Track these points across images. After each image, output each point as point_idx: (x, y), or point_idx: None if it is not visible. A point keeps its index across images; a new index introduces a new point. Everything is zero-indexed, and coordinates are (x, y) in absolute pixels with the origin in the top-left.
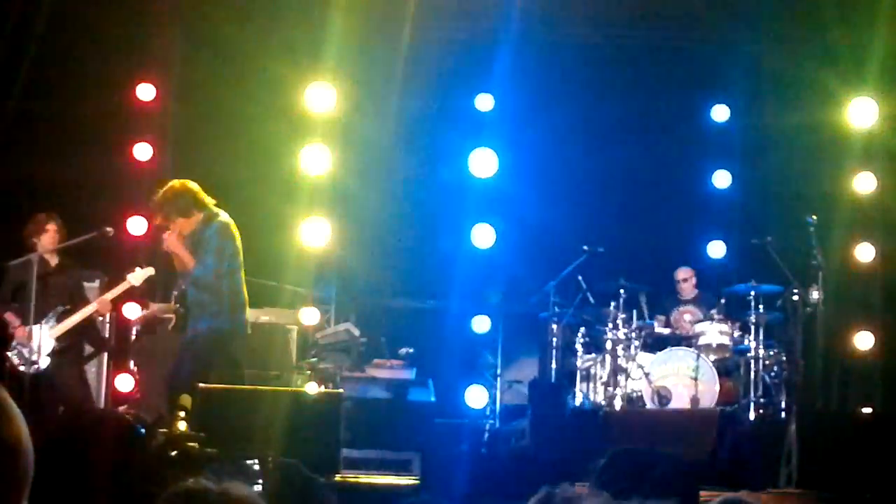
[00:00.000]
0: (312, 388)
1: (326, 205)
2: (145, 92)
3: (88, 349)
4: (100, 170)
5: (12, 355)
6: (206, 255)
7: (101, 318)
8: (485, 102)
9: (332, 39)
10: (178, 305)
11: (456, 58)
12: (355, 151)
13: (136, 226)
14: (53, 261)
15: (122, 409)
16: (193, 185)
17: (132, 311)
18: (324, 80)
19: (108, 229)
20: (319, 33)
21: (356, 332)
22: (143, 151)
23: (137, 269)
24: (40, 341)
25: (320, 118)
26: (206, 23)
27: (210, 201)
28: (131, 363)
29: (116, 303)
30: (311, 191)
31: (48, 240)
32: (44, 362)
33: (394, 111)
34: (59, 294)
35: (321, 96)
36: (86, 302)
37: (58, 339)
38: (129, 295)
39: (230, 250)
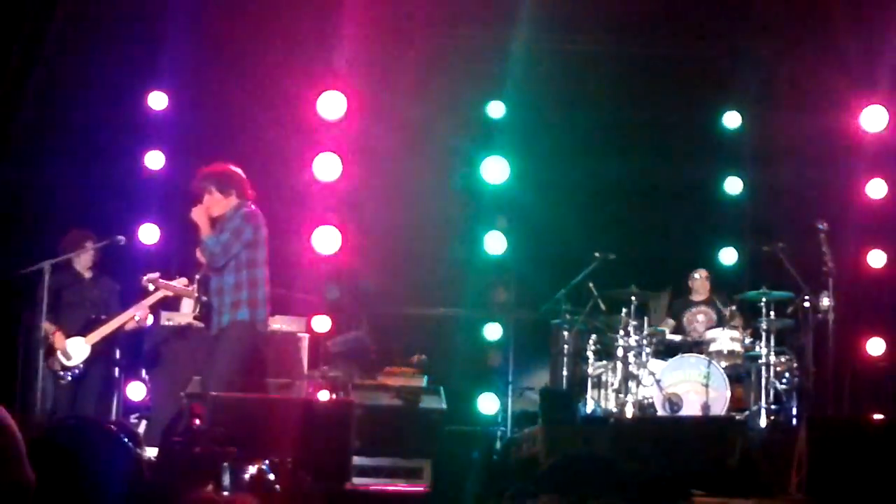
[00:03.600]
0: (324, 396)
1: (338, 212)
2: (157, 100)
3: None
4: (111, 178)
5: (53, 361)
6: (223, 231)
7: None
8: (497, 110)
9: (344, 47)
10: (200, 296)
11: (468, 65)
12: (367, 159)
13: (148, 234)
14: (87, 273)
15: (132, 417)
16: (241, 173)
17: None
18: (336, 88)
19: (120, 238)
20: (332, 42)
21: (367, 341)
22: (154, 160)
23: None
24: (77, 348)
25: (332, 126)
26: (219, 31)
27: (251, 194)
28: (143, 371)
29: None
30: (323, 198)
31: (85, 256)
32: (79, 369)
33: (405, 119)
34: (93, 304)
35: (333, 104)
36: (119, 311)
37: (93, 346)
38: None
39: (248, 237)
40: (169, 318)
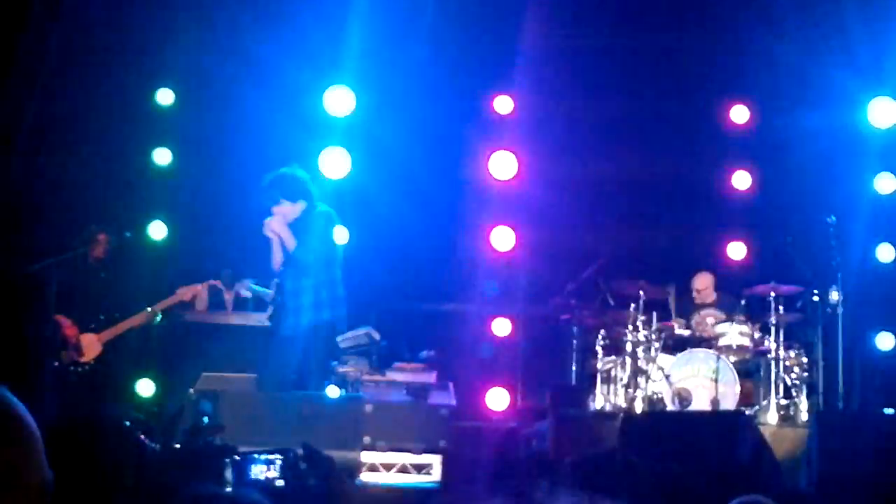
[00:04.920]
0: (333, 392)
1: (346, 208)
2: (165, 97)
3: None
4: (119, 174)
5: (66, 354)
6: (308, 238)
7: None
8: (504, 105)
9: (351, 42)
10: (274, 295)
11: (475, 60)
12: (375, 154)
13: (157, 230)
14: (101, 269)
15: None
16: (304, 174)
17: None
18: (343, 83)
19: (127, 234)
20: (339, 36)
21: (376, 336)
22: (162, 156)
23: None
24: (90, 344)
25: (340, 121)
26: (226, 27)
27: (316, 192)
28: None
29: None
30: (332, 194)
31: (99, 251)
32: (90, 365)
33: (413, 114)
34: (106, 299)
35: (341, 99)
36: (132, 307)
37: (105, 343)
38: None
39: (331, 239)
40: (179, 315)
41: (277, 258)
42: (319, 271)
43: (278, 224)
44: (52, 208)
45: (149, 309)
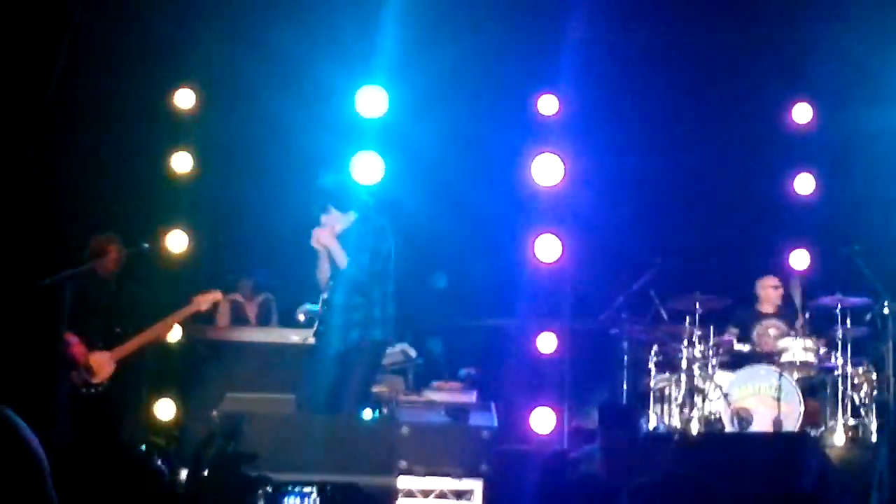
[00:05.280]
0: (367, 414)
1: (373, 212)
2: (185, 98)
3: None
4: (135, 180)
5: (75, 375)
6: (360, 253)
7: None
8: (548, 105)
9: (384, 39)
10: (323, 310)
11: (517, 58)
12: (409, 159)
13: (176, 241)
14: (112, 284)
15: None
16: (354, 180)
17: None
18: (376, 82)
19: (145, 245)
20: (371, 33)
21: (413, 353)
22: (182, 162)
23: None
24: (102, 363)
25: (372, 124)
26: (251, 24)
27: (368, 200)
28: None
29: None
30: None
31: (110, 262)
32: (103, 386)
33: (450, 115)
34: (119, 315)
35: (373, 100)
36: (146, 323)
37: (118, 362)
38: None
39: (384, 253)
40: (199, 332)
41: (325, 272)
42: (373, 288)
43: (327, 236)
44: (64, 217)
45: (164, 322)
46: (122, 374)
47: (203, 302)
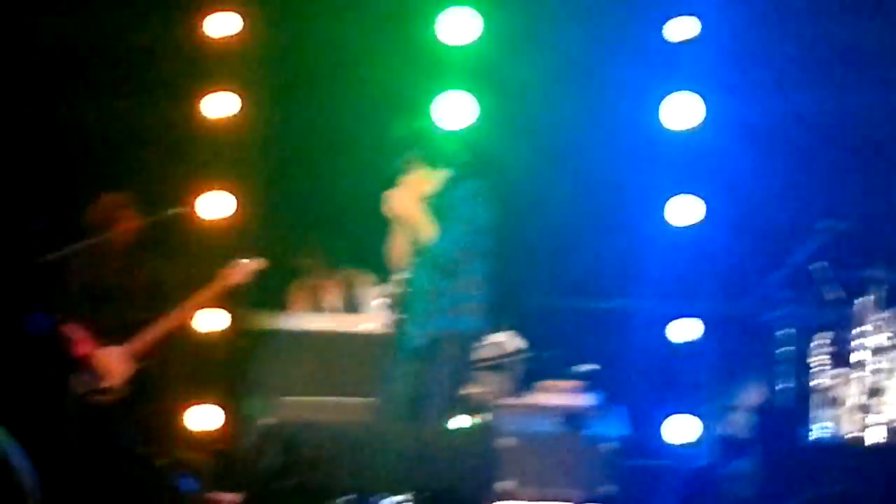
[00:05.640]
0: (459, 421)
1: (469, 171)
2: (227, 23)
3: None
4: (165, 129)
5: (80, 380)
6: (451, 223)
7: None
8: (681, 30)
9: None
10: (399, 295)
11: None
12: (505, 98)
13: (215, 205)
14: (127, 255)
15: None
16: (442, 128)
17: (217, 320)
18: (466, 3)
19: (179, 210)
20: None
21: (517, 345)
22: (222, 103)
23: (242, 261)
24: (115, 361)
25: (459, 55)
26: None
27: (462, 155)
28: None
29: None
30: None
31: (122, 229)
32: (120, 390)
33: (556, 45)
34: (136, 299)
35: (461, 26)
36: (171, 308)
37: (137, 358)
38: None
39: (482, 223)
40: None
41: (401, 248)
42: (464, 267)
43: (408, 201)
44: (72, 175)
45: (192, 302)
46: (141, 375)
47: (233, 274)
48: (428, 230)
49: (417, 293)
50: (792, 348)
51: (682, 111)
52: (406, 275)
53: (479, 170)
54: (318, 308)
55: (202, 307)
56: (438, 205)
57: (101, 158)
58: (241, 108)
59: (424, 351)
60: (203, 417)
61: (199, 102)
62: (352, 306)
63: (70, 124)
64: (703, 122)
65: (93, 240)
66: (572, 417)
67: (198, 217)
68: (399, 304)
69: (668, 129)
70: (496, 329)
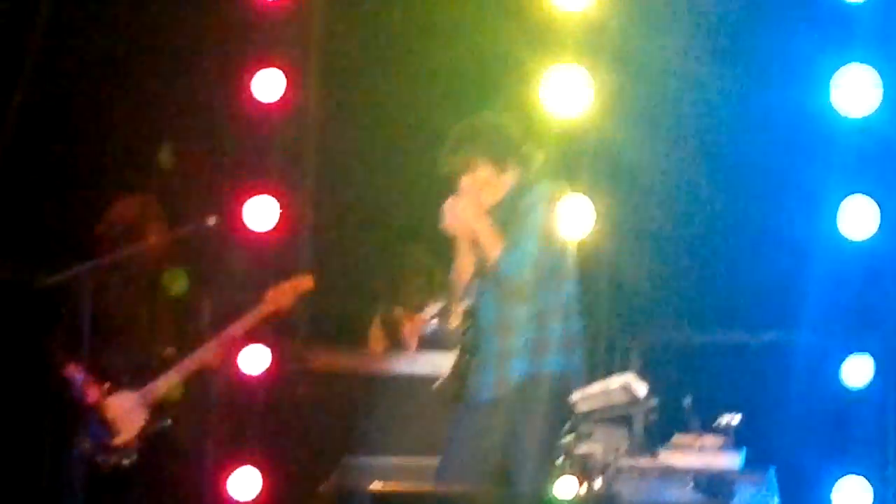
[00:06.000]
0: (568, 487)
1: (581, 167)
2: None
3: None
4: (202, 116)
5: (85, 437)
6: (523, 236)
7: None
8: None
9: None
10: (464, 329)
11: None
12: (626, 75)
13: (260, 212)
14: (152, 276)
15: None
16: (519, 122)
17: (257, 359)
18: None
19: (212, 219)
20: None
21: (641, 391)
22: (269, 83)
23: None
24: (130, 412)
25: (571, 23)
26: None
27: (540, 155)
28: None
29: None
30: (558, 142)
31: (149, 249)
32: (136, 448)
33: (685, 9)
34: (159, 331)
35: None
36: (200, 343)
37: (155, 408)
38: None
39: (562, 238)
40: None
41: (466, 269)
42: (542, 292)
43: (471, 211)
44: (87, 175)
45: (219, 336)
46: (163, 430)
47: (281, 297)
48: (494, 247)
49: (487, 328)
50: None
51: (857, 90)
52: (470, 304)
53: (588, 166)
54: (396, 344)
55: (240, 341)
56: (508, 214)
57: (116, 153)
58: (290, 91)
59: (500, 403)
60: (241, 484)
61: (246, 83)
62: (434, 342)
63: (76, 110)
64: (882, 104)
65: (108, 257)
66: (712, 483)
67: (242, 227)
68: (464, 342)
69: (838, 113)
70: (611, 371)
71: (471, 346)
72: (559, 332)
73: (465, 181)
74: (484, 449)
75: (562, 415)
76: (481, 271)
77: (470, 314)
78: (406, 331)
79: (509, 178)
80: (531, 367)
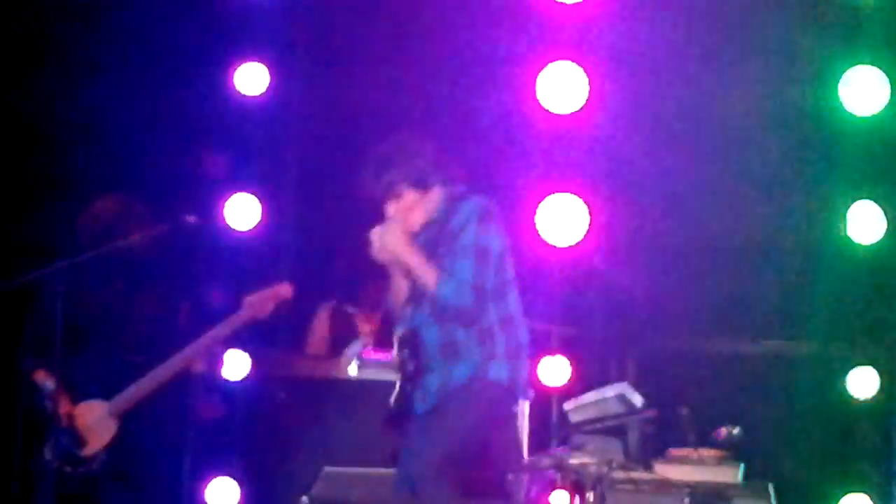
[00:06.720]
0: (560, 500)
1: (576, 167)
2: None
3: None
4: (179, 110)
5: (50, 448)
6: (458, 259)
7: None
8: None
9: None
10: (402, 356)
11: None
12: (620, 72)
13: (241, 211)
14: (135, 273)
15: None
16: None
17: (236, 365)
18: None
19: (190, 217)
20: None
21: (637, 401)
22: (251, 78)
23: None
24: (100, 420)
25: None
26: None
27: (463, 174)
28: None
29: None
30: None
31: (126, 241)
32: (106, 459)
33: (684, 8)
34: (134, 335)
35: None
36: (176, 349)
37: (123, 417)
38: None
39: (497, 250)
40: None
41: (400, 293)
42: (482, 311)
43: (400, 241)
44: (66, 172)
45: (195, 343)
46: (135, 439)
47: (259, 304)
48: (429, 276)
49: (429, 349)
50: None
51: (864, 88)
52: (403, 331)
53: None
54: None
55: (216, 348)
56: (437, 234)
57: (90, 149)
58: (272, 84)
59: (440, 408)
60: (217, 495)
61: (228, 76)
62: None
63: (53, 107)
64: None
65: (82, 256)
66: (710, 498)
67: (219, 228)
68: (402, 371)
69: (847, 111)
70: (605, 381)
71: (410, 374)
72: (504, 345)
73: (391, 209)
74: (424, 456)
75: (507, 428)
76: (418, 299)
77: (405, 341)
78: (364, 330)
79: (435, 196)
80: (475, 372)
